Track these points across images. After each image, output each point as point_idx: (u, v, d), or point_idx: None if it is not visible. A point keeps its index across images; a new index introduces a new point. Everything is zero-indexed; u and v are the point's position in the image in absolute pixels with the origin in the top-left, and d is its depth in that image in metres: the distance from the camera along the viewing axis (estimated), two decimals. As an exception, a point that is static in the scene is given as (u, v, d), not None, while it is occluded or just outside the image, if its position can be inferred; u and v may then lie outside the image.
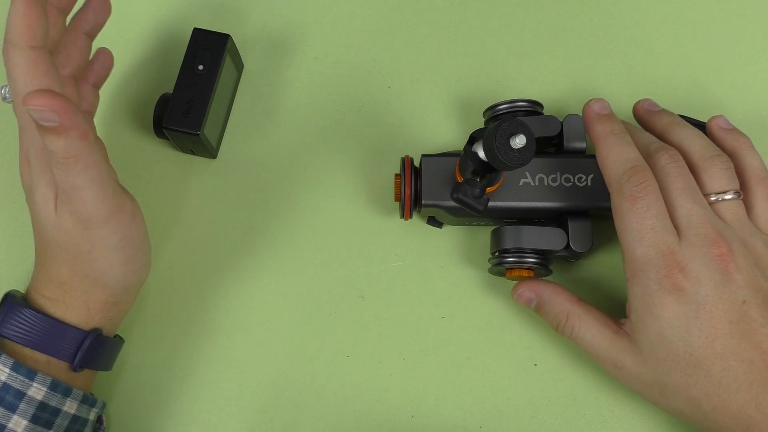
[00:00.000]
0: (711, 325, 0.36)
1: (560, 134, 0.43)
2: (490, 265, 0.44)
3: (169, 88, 0.45)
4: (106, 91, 0.48)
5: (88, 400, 0.39)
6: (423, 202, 0.43)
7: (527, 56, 0.50)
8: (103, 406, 0.41)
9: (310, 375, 0.45)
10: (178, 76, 0.44)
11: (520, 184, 0.43)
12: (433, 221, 0.45)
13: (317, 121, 0.49)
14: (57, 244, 0.37)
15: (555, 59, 0.50)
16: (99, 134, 0.44)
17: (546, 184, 0.42)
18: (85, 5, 0.41)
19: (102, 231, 0.37)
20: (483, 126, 0.47)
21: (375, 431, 0.44)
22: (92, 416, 0.40)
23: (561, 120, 0.43)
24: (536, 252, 0.42)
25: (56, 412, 0.37)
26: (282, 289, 0.46)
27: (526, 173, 0.43)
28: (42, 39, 0.34)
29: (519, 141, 0.34)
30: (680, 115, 0.46)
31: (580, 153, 0.44)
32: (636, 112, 0.45)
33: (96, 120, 0.44)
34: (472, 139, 0.39)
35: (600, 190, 0.42)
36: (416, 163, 0.45)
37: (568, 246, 0.42)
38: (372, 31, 0.50)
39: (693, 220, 0.37)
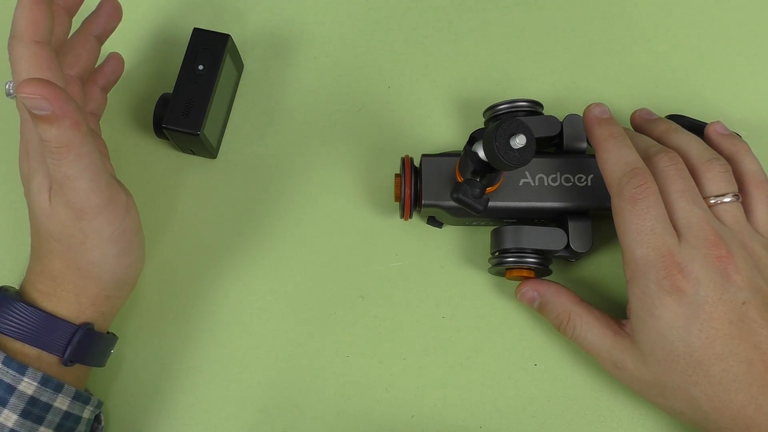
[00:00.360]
0: (711, 325, 0.36)
1: (560, 134, 0.43)
2: (490, 265, 0.44)
3: (169, 88, 0.45)
4: (106, 91, 0.48)
5: (81, 397, 0.39)
6: (423, 202, 0.43)
7: (527, 56, 0.50)
8: (99, 404, 0.41)
9: (310, 375, 0.45)
10: (178, 76, 0.44)
11: (520, 184, 0.43)
12: (433, 221, 0.45)
13: (317, 121, 0.49)
14: (51, 235, 0.38)
15: (555, 59, 0.50)
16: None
17: (546, 184, 0.42)
18: (97, 9, 0.42)
19: (95, 222, 0.37)
20: (483, 126, 0.47)
21: (375, 431, 0.44)
22: (87, 414, 0.40)
23: (561, 120, 0.43)
24: (536, 252, 0.42)
25: (47, 407, 0.37)
26: (282, 288, 0.46)
27: (526, 173, 0.43)
28: (46, 35, 0.35)
29: (519, 141, 0.34)
30: (681, 115, 0.46)
31: (580, 153, 0.44)
32: (633, 121, 0.45)
33: (97, 120, 0.44)
34: (472, 139, 0.39)
35: (600, 190, 0.42)
36: (416, 163, 0.45)
37: (568, 246, 0.42)
38: (372, 31, 0.50)
39: (692, 222, 0.37)
